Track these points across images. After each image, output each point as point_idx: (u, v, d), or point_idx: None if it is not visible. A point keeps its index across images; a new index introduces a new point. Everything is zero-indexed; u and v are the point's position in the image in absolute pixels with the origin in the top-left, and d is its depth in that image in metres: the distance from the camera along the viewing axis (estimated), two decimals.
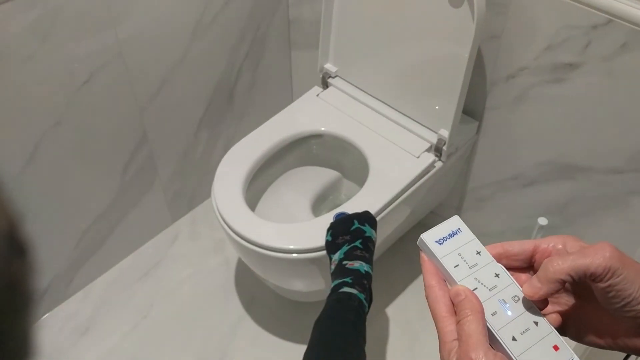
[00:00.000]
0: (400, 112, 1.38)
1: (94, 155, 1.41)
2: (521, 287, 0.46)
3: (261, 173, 1.39)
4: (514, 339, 0.44)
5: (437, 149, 1.32)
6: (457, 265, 0.47)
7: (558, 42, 1.15)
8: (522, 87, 1.26)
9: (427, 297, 0.47)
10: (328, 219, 1.20)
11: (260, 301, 1.58)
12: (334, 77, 1.47)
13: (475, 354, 0.41)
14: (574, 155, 1.26)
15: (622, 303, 0.43)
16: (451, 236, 0.48)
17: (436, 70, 1.26)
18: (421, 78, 1.30)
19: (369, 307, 1.04)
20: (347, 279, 1.03)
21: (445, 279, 0.47)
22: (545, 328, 0.45)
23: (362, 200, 1.25)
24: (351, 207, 1.23)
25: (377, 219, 1.22)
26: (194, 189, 1.74)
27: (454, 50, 1.19)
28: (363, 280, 1.04)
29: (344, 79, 1.46)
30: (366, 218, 1.14)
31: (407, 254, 1.63)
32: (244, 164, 1.32)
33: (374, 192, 1.26)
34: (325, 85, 1.48)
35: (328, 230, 1.15)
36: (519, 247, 0.48)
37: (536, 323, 0.45)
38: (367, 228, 1.12)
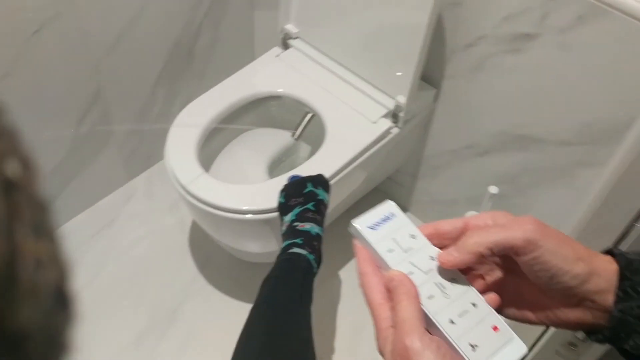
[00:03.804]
0: (360, 77, 1.37)
1: (46, 109, 1.37)
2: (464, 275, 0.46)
3: (217, 133, 1.38)
4: (451, 322, 0.42)
5: (394, 115, 1.33)
6: (391, 250, 0.45)
7: (517, 12, 1.15)
8: (480, 56, 1.27)
9: (361, 286, 0.45)
10: (282, 180, 1.20)
11: (214, 262, 1.58)
12: (294, 39, 1.45)
13: (409, 340, 0.40)
14: (528, 126, 1.28)
15: (549, 275, 0.43)
16: (384, 221, 0.47)
17: (396, 36, 1.25)
18: (381, 43, 1.30)
19: (318, 267, 1.05)
20: (298, 240, 1.04)
21: (380, 265, 0.45)
22: (483, 309, 0.44)
23: (317, 163, 1.25)
24: (306, 169, 1.23)
25: (332, 182, 1.22)
26: (150, 148, 1.71)
27: (413, 17, 1.18)
28: (313, 242, 1.05)
29: (304, 41, 1.44)
30: (319, 181, 1.14)
31: None
32: (198, 123, 1.30)
33: (329, 155, 1.27)
34: (285, 46, 1.46)
35: (281, 192, 1.15)
36: (450, 225, 0.47)
37: (474, 305, 0.44)
38: (320, 191, 1.13)
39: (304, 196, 1.12)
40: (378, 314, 0.43)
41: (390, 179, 1.64)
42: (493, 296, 0.46)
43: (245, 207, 1.20)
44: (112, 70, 1.44)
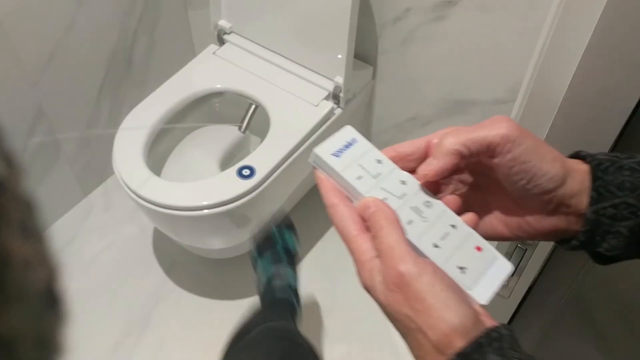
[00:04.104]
0: (297, 63, 1.39)
1: None
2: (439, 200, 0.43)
3: (164, 136, 1.39)
4: (435, 246, 0.40)
5: (334, 96, 1.35)
6: (360, 177, 0.42)
7: None
8: (408, 28, 1.30)
9: (332, 218, 0.41)
10: (233, 172, 1.22)
11: (180, 264, 1.59)
12: (229, 34, 1.47)
13: (404, 266, 0.37)
14: (463, 90, 1.32)
15: (527, 177, 0.41)
16: (347, 147, 0.43)
17: (325, 18, 1.28)
18: (312, 27, 1.32)
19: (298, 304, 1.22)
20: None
21: (349, 194, 0.42)
22: (464, 230, 0.42)
23: (264, 152, 1.27)
24: (255, 159, 1.25)
25: (282, 167, 1.25)
26: (103, 161, 1.70)
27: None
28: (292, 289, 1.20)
29: (239, 34, 1.46)
30: (284, 224, 1.25)
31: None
32: (144, 125, 1.31)
33: (276, 143, 1.29)
34: (221, 42, 1.48)
35: (255, 248, 1.28)
36: (411, 146, 0.44)
37: (454, 226, 0.42)
38: (287, 236, 1.27)
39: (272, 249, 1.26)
40: (356, 246, 0.40)
41: None
42: (470, 215, 0.44)
43: (200, 203, 1.21)
44: (51, 85, 1.44)
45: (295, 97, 1.36)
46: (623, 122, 0.55)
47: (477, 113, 1.33)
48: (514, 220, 0.45)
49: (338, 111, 1.37)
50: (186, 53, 1.80)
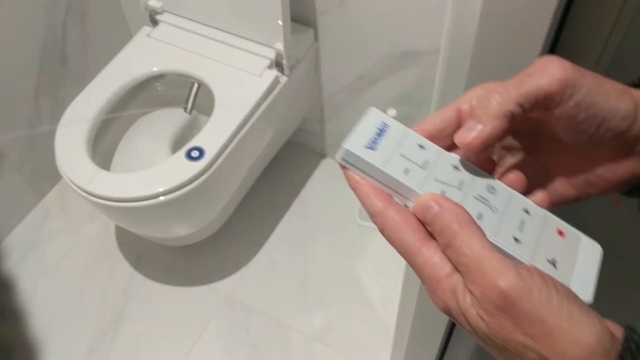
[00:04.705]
0: (234, 34, 1.35)
1: None
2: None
3: (108, 127, 1.34)
4: (516, 240, 0.33)
5: (277, 64, 1.31)
6: (407, 169, 0.34)
7: None
8: None
9: (381, 229, 0.33)
10: (182, 155, 1.18)
11: (147, 256, 1.56)
12: (161, 13, 1.41)
13: (505, 281, 0.28)
14: (405, 43, 1.29)
15: (596, 123, 0.33)
16: (380, 136, 0.35)
17: None
18: None
19: None
20: None
21: (397, 195, 0.34)
22: (539, 213, 0.35)
23: (212, 131, 1.23)
24: (203, 139, 1.21)
25: (234, 143, 1.22)
26: (51, 163, 1.64)
27: None
28: None
29: (171, 13, 1.41)
30: None
31: (285, 172, 1.65)
32: (82, 125, 1.26)
33: (222, 120, 1.25)
34: (154, 23, 1.42)
35: None
36: (441, 120, 0.36)
37: (527, 212, 0.34)
38: None
39: None
40: (424, 261, 0.31)
41: (300, 129, 1.64)
42: (541, 195, 0.36)
43: (155, 191, 1.17)
44: None
45: (236, 69, 1.32)
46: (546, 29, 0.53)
47: (426, 63, 1.30)
48: (580, 177, 0.37)
49: (283, 79, 1.33)
50: (123, 39, 1.73)
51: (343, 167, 0.34)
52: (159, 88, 1.42)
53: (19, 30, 1.41)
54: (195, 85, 1.36)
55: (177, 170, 1.18)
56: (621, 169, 0.36)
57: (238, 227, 1.56)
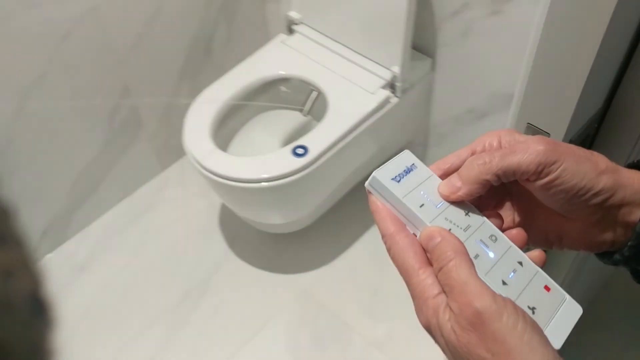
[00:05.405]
0: (357, 52, 1.47)
1: (80, 106, 1.54)
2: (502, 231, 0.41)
3: (232, 116, 1.50)
4: (504, 283, 0.37)
5: (391, 85, 1.42)
6: (423, 205, 0.39)
7: None
8: (466, 21, 1.34)
9: (389, 248, 0.38)
10: (288, 150, 1.31)
11: (243, 238, 1.71)
12: (298, 24, 1.56)
13: (481, 303, 0.33)
14: (515, 85, 1.34)
15: (567, 197, 0.38)
16: (407, 173, 0.41)
17: (384, 10, 1.34)
18: (372, 19, 1.39)
19: None
20: None
21: (409, 223, 0.39)
22: (531, 267, 0.39)
23: (319, 134, 1.35)
24: (309, 139, 1.34)
25: (336, 148, 1.33)
26: (180, 139, 1.85)
27: None
28: None
29: (307, 25, 1.56)
30: None
31: None
32: (211, 108, 1.43)
33: (330, 125, 1.37)
34: (290, 32, 1.58)
35: None
36: (457, 159, 0.41)
37: (520, 263, 0.39)
38: None
39: None
40: (419, 281, 0.36)
41: (403, 149, 1.72)
42: (537, 253, 0.40)
43: (259, 176, 1.31)
44: (136, 67, 1.60)
45: (353, 84, 1.43)
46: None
47: None
48: (555, 230, 0.42)
49: (394, 100, 1.43)
50: (261, 41, 1.91)
51: (369, 192, 0.41)
52: (282, 89, 1.57)
53: (178, 19, 1.62)
54: (314, 93, 1.49)
55: (281, 162, 1.31)
56: (591, 233, 0.41)
57: (327, 227, 1.67)
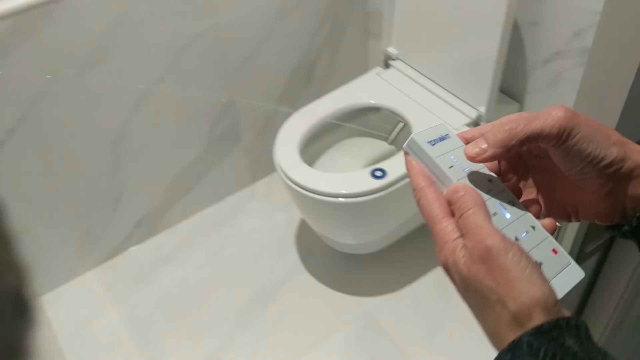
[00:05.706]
0: (445, 89, 1.54)
1: (188, 112, 1.70)
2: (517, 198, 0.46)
3: (320, 138, 1.61)
4: (516, 239, 0.42)
5: (475, 124, 1.46)
6: (452, 166, 0.45)
7: (585, 27, 1.26)
8: (556, 70, 1.37)
9: (418, 200, 0.44)
10: (367, 172, 1.39)
11: (316, 254, 1.79)
12: (394, 60, 1.66)
13: (491, 241, 0.38)
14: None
15: (582, 164, 0.42)
16: (441, 140, 0.46)
17: (476, 54, 1.41)
18: (465, 61, 1.46)
19: None
20: None
21: (438, 180, 0.45)
22: (542, 233, 0.44)
23: (399, 160, 1.42)
24: (389, 164, 1.41)
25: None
26: (271, 156, 1.98)
27: (487, 42, 1.33)
28: None
29: (402, 61, 1.65)
30: None
31: None
32: (303, 125, 1.54)
33: None
34: (386, 66, 1.68)
35: None
36: (478, 132, 0.46)
37: (533, 227, 0.44)
38: None
39: None
40: (441, 227, 0.41)
41: None
42: (549, 221, 0.45)
43: (337, 191, 1.39)
44: (242, 85, 1.75)
45: (439, 119, 1.50)
46: None
47: None
48: (571, 202, 0.46)
49: None
50: (358, 72, 2.02)
51: (406, 153, 0.47)
52: (371, 117, 1.66)
53: (285, 44, 1.77)
54: (401, 124, 1.57)
55: (359, 182, 1.38)
56: (604, 204, 0.44)
57: (397, 256, 1.71)
